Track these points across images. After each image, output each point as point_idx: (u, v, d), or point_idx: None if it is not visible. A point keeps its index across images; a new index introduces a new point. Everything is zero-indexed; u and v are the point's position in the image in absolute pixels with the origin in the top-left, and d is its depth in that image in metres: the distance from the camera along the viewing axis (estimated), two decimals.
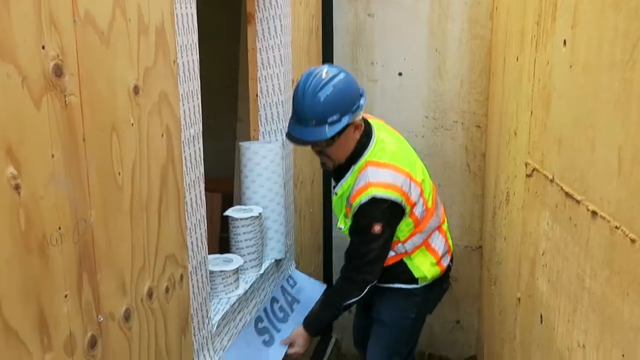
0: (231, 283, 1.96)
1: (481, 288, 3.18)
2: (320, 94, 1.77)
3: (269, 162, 2.30)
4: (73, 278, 1.04)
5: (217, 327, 1.76)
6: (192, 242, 1.55)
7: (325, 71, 1.83)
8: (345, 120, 1.81)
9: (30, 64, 0.91)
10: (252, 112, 2.47)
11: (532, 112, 1.60)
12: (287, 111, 2.46)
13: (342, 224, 2.01)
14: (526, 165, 1.63)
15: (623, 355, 0.80)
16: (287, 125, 1.93)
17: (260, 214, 2.20)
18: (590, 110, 1.01)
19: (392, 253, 1.98)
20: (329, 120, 1.78)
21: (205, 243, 1.65)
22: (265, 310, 2.17)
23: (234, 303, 1.92)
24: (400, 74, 3.15)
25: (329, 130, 1.79)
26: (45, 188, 0.95)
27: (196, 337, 1.61)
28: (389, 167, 1.89)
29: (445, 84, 3.11)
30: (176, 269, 1.47)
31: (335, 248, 3.20)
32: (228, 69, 3.47)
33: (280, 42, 2.36)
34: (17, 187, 0.89)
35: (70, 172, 1.02)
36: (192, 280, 1.56)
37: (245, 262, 2.14)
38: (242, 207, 2.28)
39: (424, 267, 2.01)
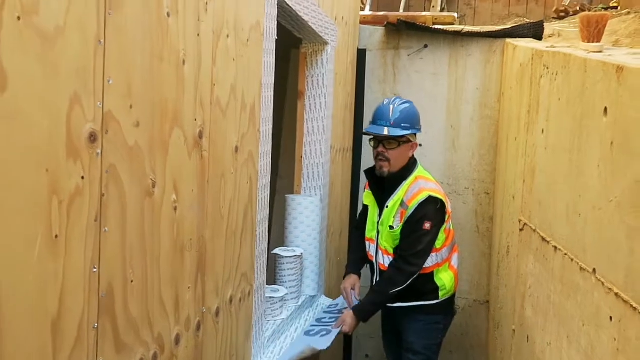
0: (277, 308, 2.39)
1: (488, 338, 3.52)
2: (402, 105, 2.53)
3: (310, 212, 2.78)
4: (193, 276, 1.50)
5: (267, 341, 2.17)
6: (257, 267, 2.00)
7: (403, 98, 2.67)
8: (411, 131, 2.50)
9: (188, 130, 1.42)
10: (296, 170, 2.98)
11: (524, 181, 2.08)
12: (326, 171, 2.97)
13: (391, 224, 2.50)
14: (519, 222, 2.08)
15: (568, 337, 1.22)
16: (365, 128, 2.64)
17: (302, 253, 2.65)
18: (555, 180, 1.49)
19: (429, 263, 2.47)
20: (403, 125, 2.47)
21: (265, 269, 2.10)
22: (312, 325, 2.57)
23: (280, 324, 2.33)
24: (420, 144, 3.66)
25: (402, 131, 2.45)
26: (187, 211, 1.43)
27: (254, 345, 2.03)
28: (435, 182, 2.56)
29: (458, 155, 3.61)
30: (246, 285, 1.92)
31: None
32: (273, 135, 4.02)
33: (324, 114, 2.90)
34: (175, 209, 1.37)
35: (199, 202, 1.50)
36: (255, 296, 2.00)
37: (287, 293, 2.57)
38: (285, 248, 2.73)
39: (446, 279, 2.56)
